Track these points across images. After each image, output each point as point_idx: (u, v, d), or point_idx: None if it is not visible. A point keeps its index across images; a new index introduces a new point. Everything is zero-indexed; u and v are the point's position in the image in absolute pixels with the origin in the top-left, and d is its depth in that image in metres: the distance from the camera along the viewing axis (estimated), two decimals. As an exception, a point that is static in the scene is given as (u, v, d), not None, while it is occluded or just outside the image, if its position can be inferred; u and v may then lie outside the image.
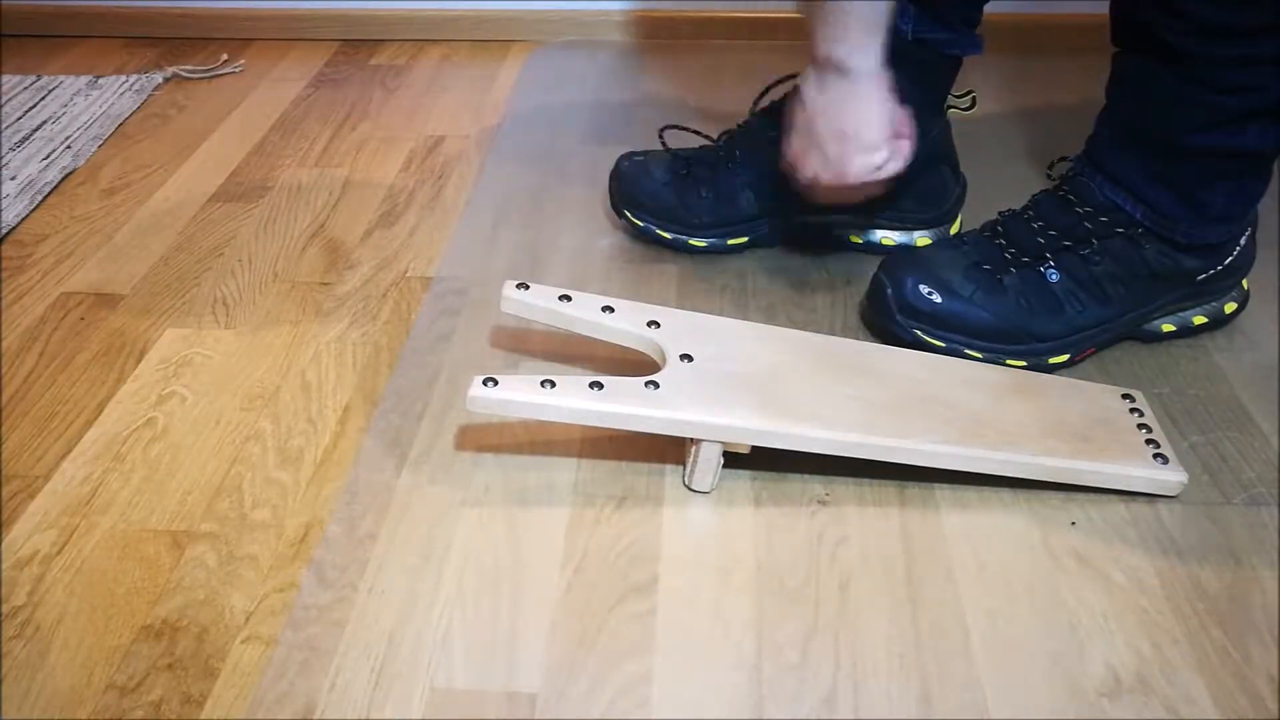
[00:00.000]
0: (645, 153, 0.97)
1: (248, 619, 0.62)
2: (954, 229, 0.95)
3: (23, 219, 1.03)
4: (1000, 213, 0.83)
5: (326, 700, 0.57)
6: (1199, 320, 0.84)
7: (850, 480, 0.71)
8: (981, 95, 1.25)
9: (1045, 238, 0.80)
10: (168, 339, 0.85)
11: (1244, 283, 0.85)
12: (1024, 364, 0.79)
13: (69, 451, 0.74)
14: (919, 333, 0.80)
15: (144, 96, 1.27)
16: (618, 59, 1.39)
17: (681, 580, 0.64)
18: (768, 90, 0.94)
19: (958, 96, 0.96)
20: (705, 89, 1.30)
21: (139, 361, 0.83)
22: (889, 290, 0.81)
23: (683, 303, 0.89)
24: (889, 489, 0.70)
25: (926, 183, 0.93)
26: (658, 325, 0.74)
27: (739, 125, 0.94)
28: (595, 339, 0.76)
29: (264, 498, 0.70)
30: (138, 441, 0.75)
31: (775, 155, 0.91)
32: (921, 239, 0.94)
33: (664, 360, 0.72)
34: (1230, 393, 0.79)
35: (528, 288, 0.76)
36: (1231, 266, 0.81)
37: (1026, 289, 0.79)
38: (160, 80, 1.32)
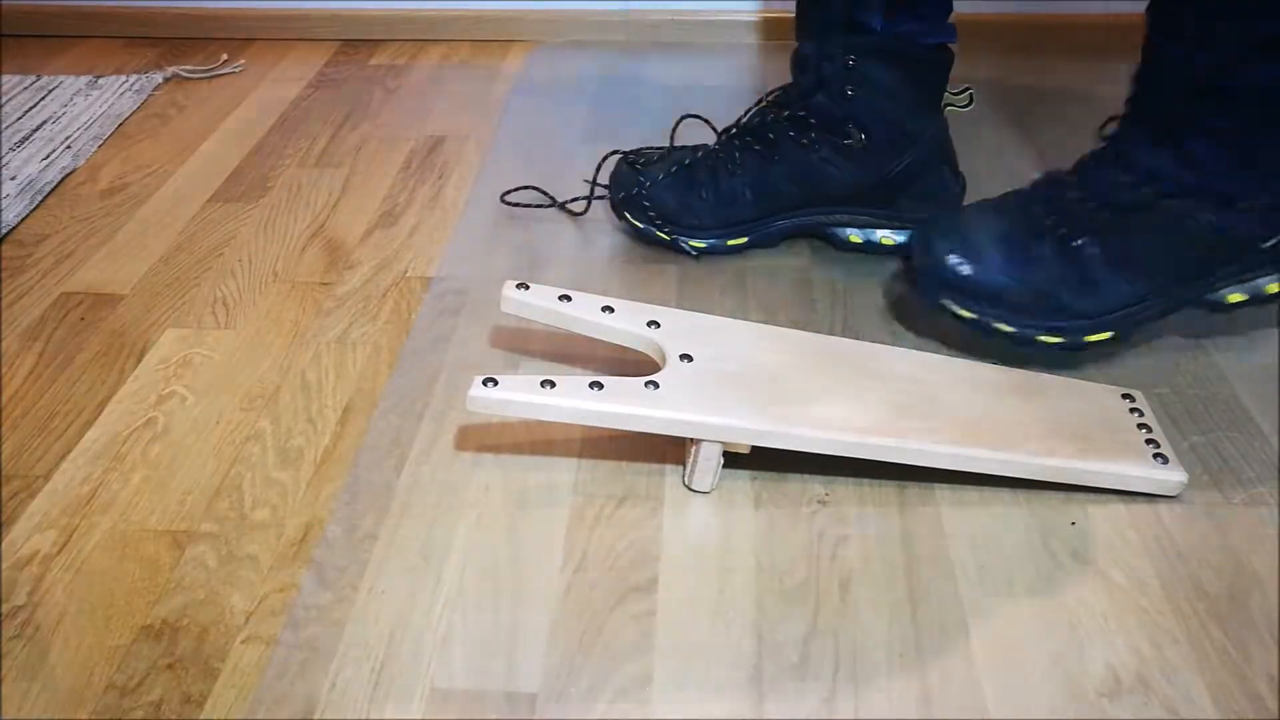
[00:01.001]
0: (645, 153, 0.97)
1: (248, 619, 0.62)
2: None
3: (23, 219, 1.03)
4: (1044, 173, 0.80)
5: (326, 700, 0.57)
6: (1272, 289, 0.77)
7: (850, 480, 0.71)
8: (981, 95, 1.25)
9: (1085, 207, 0.75)
10: (168, 339, 0.85)
11: None
12: (1060, 340, 0.76)
13: (69, 451, 0.74)
14: (948, 302, 0.77)
15: (144, 96, 1.27)
16: (618, 59, 1.39)
17: (681, 580, 0.64)
18: (770, 93, 0.94)
19: (955, 94, 0.96)
20: (706, 89, 1.30)
21: (139, 361, 0.83)
22: (921, 259, 0.78)
23: (683, 303, 0.89)
24: (889, 489, 0.70)
25: (925, 182, 0.93)
26: (658, 325, 0.74)
27: (739, 125, 0.95)
28: (595, 339, 0.76)
29: (264, 498, 0.70)
30: (138, 441, 0.75)
31: (774, 155, 0.91)
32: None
33: (664, 360, 0.72)
34: (1230, 393, 0.79)
35: (528, 288, 0.76)
36: None
37: (1061, 261, 0.75)
38: (160, 80, 1.32)
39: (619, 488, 0.71)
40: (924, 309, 0.81)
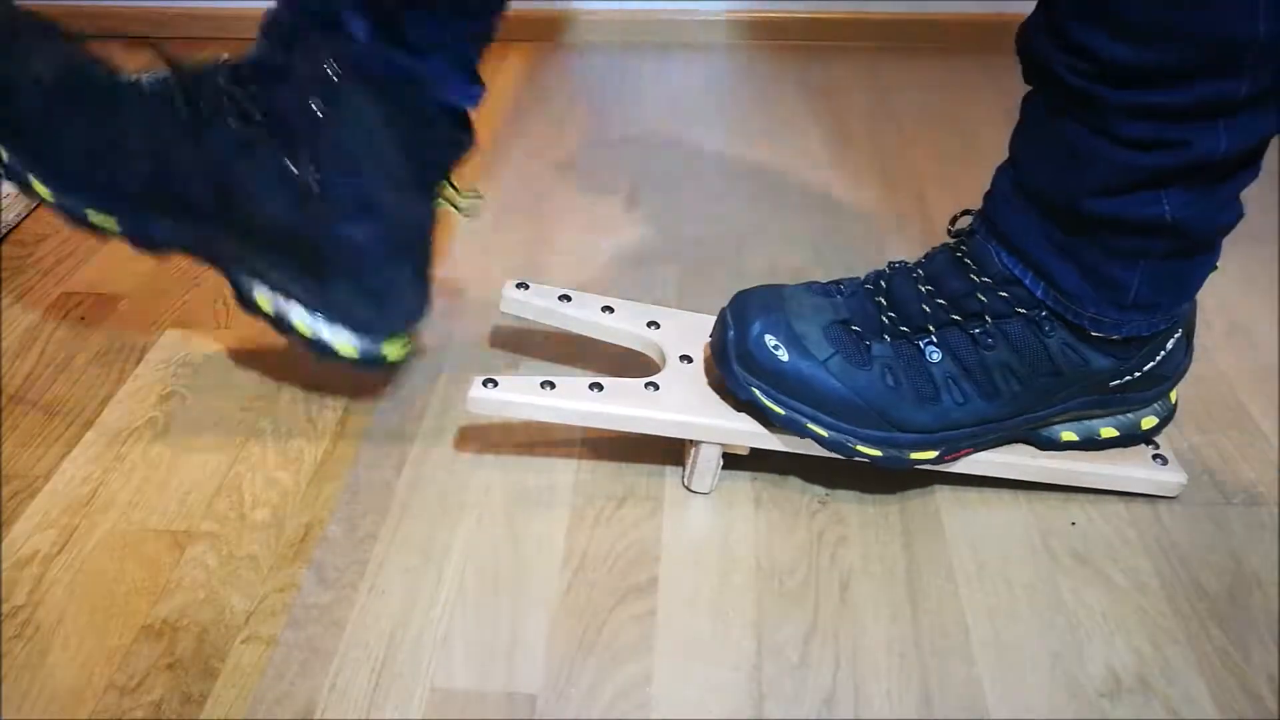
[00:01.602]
0: None
1: (248, 619, 0.62)
2: (401, 346, 0.72)
3: (23, 219, 1.03)
4: (890, 263, 0.68)
5: (326, 700, 0.57)
6: (1107, 433, 0.69)
7: (850, 480, 0.71)
8: (981, 95, 1.24)
9: (932, 305, 0.64)
10: (168, 339, 0.85)
11: (1172, 395, 0.71)
12: (879, 453, 0.65)
13: (69, 451, 0.74)
14: (757, 391, 0.65)
15: (144, 96, 1.27)
16: (619, 59, 1.39)
17: (681, 580, 0.64)
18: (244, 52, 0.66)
19: (460, 191, 0.70)
20: (705, 90, 1.30)
21: (139, 361, 0.83)
22: (730, 333, 0.66)
23: (683, 303, 0.89)
24: (889, 489, 0.70)
25: (376, 277, 0.68)
26: (658, 326, 0.74)
27: (174, 68, 0.66)
28: (595, 339, 0.76)
29: (264, 498, 0.70)
30: (138, 441, 0.75)
31: (201, 126, 0.65)
32: (343, 345, 0.70)
33: (664, 361, 0.72)
34: (1230, 393, 0.79)
35: (528, 288, 0.76)
36: (1152, 374, 0.66)
37: (898, 364, 0.65)
38: (160, 80, 1.31)
39: (619, 488, 0.71)
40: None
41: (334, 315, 0.69)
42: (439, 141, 0.68)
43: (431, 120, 0.67)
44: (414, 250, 0.69)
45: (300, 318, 0.69)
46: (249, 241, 0.67)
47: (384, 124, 0.64)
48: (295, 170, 0.64)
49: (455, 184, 0.69)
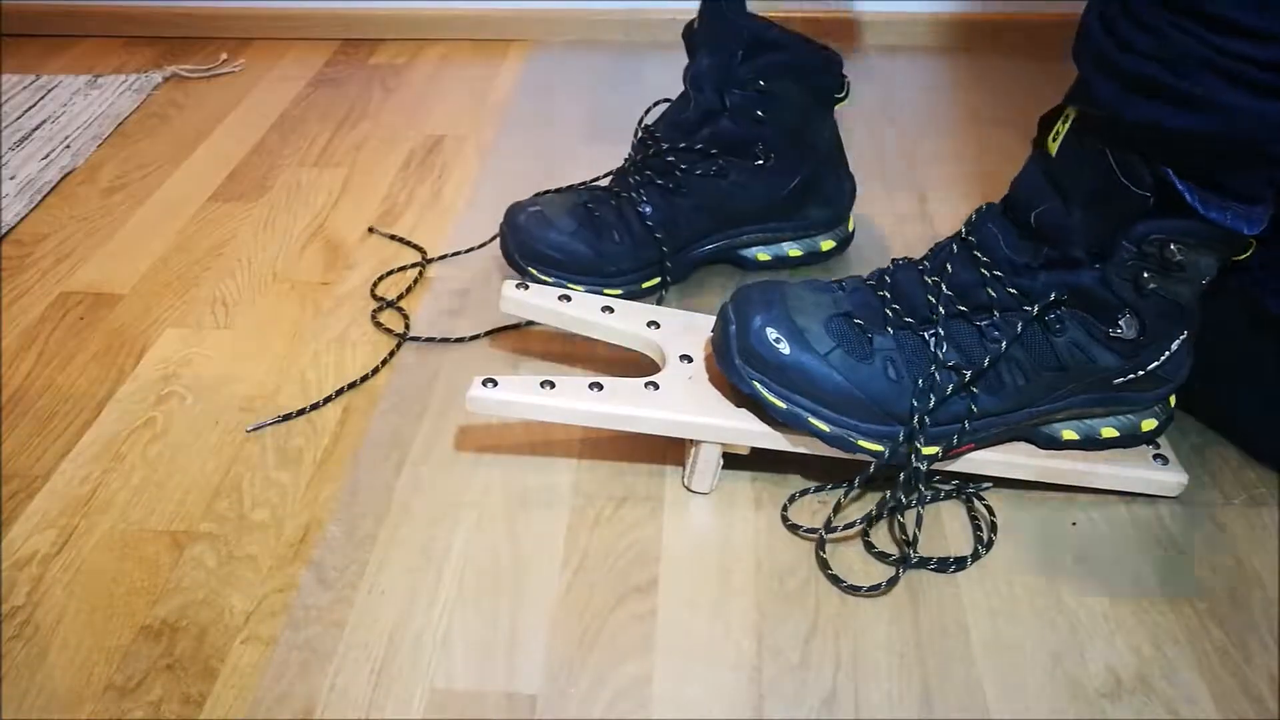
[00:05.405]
0: (539, 199, 0.89)
1: (247, 619, 0.62)
2: (850, 226, 0.94)
3: (22, 219, 1.03)
4: (894, 260, 0.69)
5: (326, 700, 0.57)
6: (1108, 433, 0.69)
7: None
8: (982, 95, 1.24)
9: (939, 296, 0.64)
10: (167, 339, 0.85)
11: (1171, 400, 0.70)
12: (880, 449, 0.65)
13: (69, 451, 0.74)
14: (758, 385, 0.65)
15: (143, 96, 1.27)
16: (618, 59, 1.39)
17: (681, 580, 0.64)
18: (658, 110, 0.91)
19: (840, 95, 0.89)
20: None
21: (138, 361, 0.83)
22: (732, 327, 0.67)
23: (683, 303, 0.89)
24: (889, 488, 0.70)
25: (824, 186, 0.91)
26: (657, 326, 0.74)
27: (637, 160, 0.89)
28: (595, 339, 0.76)
29: (263, 498, 0.70)
30: (137, 441, 0.75)
31: (672, 186, 0.86)
32: (825, 243, 0.93)
33: (664, 361, 0.72)
34: (1230, 393, 0.79)
35: (528, 288, 0.76)
36: (1155, 374, 0.66)
37: (900, 357, 0.64)
38: (160, 80, 1.32)
39: (619, 488, 0.71)
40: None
41: (809, 230, 0.93)
42: (830, 74, 0.89)
43: (823, 66, 0.88)
44: (838, 155, 0.94)
45: (791, 247, 0.93)
46: (741, 225, 0.91)
47: (798, 90, 0.87)
48: (759, 162, 0.87)
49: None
